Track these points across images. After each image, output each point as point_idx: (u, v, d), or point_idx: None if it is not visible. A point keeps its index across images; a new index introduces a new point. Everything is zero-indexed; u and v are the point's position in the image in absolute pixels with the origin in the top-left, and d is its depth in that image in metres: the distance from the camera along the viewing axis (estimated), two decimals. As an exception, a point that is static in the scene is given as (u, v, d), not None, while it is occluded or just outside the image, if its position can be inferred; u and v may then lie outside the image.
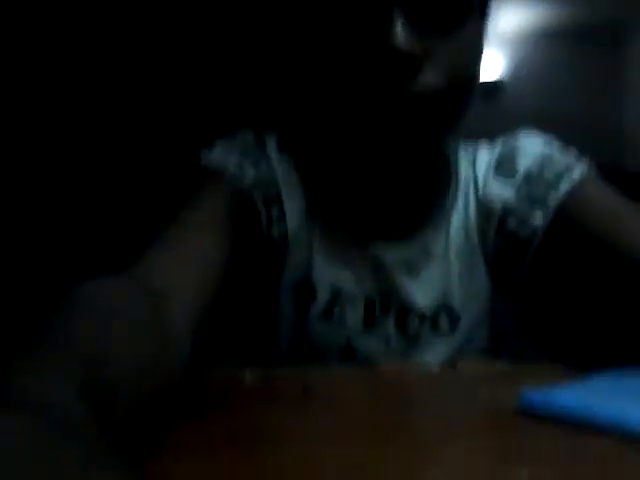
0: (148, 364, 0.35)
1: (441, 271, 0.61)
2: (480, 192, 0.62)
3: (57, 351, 0.28)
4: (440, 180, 0.64)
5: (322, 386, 0.44)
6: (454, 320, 0.61)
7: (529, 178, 0.60)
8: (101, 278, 0.38)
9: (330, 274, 0.60)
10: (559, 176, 0.58)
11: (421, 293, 0.60)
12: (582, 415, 0.35)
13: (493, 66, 3.36)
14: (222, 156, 0.59)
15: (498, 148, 0.64)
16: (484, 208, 0.62)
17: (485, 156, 0.64)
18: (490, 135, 0.70)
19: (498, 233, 0.61)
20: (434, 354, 0.60)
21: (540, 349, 0.83)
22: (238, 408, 0.40)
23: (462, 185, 0.64)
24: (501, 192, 0.61)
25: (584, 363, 0.47)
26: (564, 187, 0.57)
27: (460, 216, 0.63)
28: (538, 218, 0.58)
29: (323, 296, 0.60)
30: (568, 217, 0.57)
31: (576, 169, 0.58)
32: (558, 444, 0.33)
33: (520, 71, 3.32)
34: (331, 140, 0.60)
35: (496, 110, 3.10)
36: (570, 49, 3.31)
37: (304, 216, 0.62)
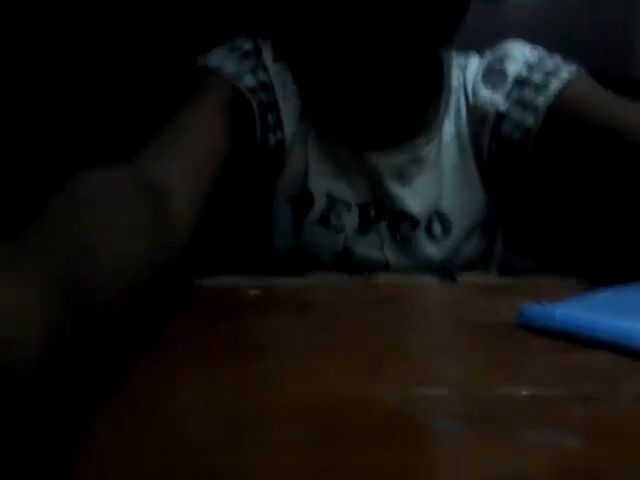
0: (141, 252, 0.33)
1: (434, 178, 0.63)
2: (470, 100, 0.63)
3: (28, 254, 0.25)
4: (433, 88, 0.64)
5: (321, 297, 0.44)
6: (446, 226, 0.63)
7: (518, 82, 0.61)
8: (100, 168, 0.38)
9: (325, 182, 0.62)
10: (548, 77, 0.59)
11: (413, 200, 0.62)
12: (582, 330, 0.35)
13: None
14: (220, 59, 0.59)
15: (486, 56, 0.65)
16: (476, 115, 0.63)
17: (474, 65, 0.65)
18: (490, 39, 0.70)
19: (492, 139, 0.62)
20: (427, 258, 0.63)
21: (530, 260, 0.85)
22: (237, 318, 0.40)
23: (454, 94, 0.64)
24: (491, 98, 0.62)
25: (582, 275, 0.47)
26: (554, 87, 0.58)
27: (452, 124, 0.63)
28: (530, 119, 0.59)
29: (320, 204, 0.62)
30: (562, 116, 0.58)
31: (564, 69, 0.59)
32: (557, 360, 0.33)
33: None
34: (325, 46, 0.58)
35: (496, 13, 2.96)
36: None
37: (300, 125, 0.62)
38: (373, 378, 0.30)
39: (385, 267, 0.63)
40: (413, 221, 0.62)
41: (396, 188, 0.62)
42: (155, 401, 0.27)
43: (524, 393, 0.28)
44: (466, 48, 0.67)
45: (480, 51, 0.66)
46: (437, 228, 0.62)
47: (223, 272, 0.49)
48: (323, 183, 0.62)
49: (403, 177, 0.62)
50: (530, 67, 0.61)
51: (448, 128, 0.63)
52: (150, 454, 0.22)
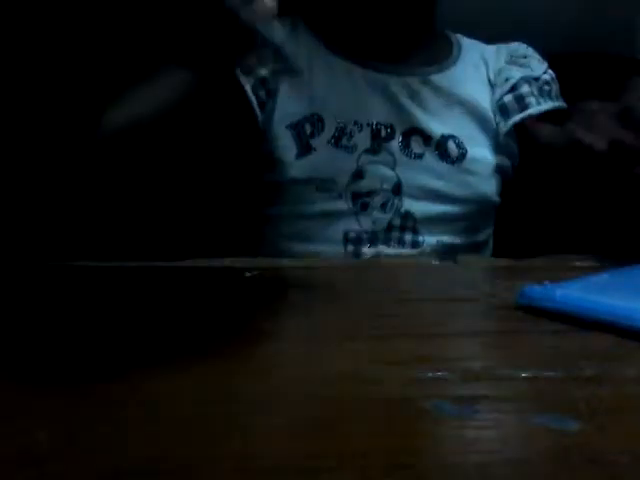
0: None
1: (447, 105, 0.68)
2: (491, 74, 0.71)
3: None
4: (427, 17, 0.71)
5: (319, 279, 0.44)
6: (461, 150, 0.67)
7: (536, 79, 0.71)
8: None
9: (336, 104, 0.66)
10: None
11: (425, 117, 0.67)
12: (583, 311, 0.34)
13: None
14: None
15: (506, 49, 0.74)
16: (499, 78, 0.71)
17: (493, 51, 0.73)
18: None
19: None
20: (438, 179, 0.66)
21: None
22: (234, 300, 0.39)
23: (465, 53, 0.72)
24: (511, 70, 0.71)
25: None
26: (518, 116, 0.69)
27: (468, 68, 0.71)
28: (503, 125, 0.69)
29: (330, 125, 0.65)
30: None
31: (543, 104, 0.69)
32: (558, 341, 0.32)
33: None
34: None
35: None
36: None
37: (300, 49, 0.68)
38: (372, 360, 0.29)
39: (397, 187, 0.66)
40: (424, 136, 0.66)
41: (409, 105, 0.66)
42: (151, 387, 0.27)
43: (524, 375, 0.27)
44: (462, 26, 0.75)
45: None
46: (452, 148, 0.66)
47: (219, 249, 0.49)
48: (333, 105, 0.66)
49: (416, 97, 0.67)
50: (551, 76, 0.72)
51: (462, 70, 0.70)
52: (147, 440, 0.22)
